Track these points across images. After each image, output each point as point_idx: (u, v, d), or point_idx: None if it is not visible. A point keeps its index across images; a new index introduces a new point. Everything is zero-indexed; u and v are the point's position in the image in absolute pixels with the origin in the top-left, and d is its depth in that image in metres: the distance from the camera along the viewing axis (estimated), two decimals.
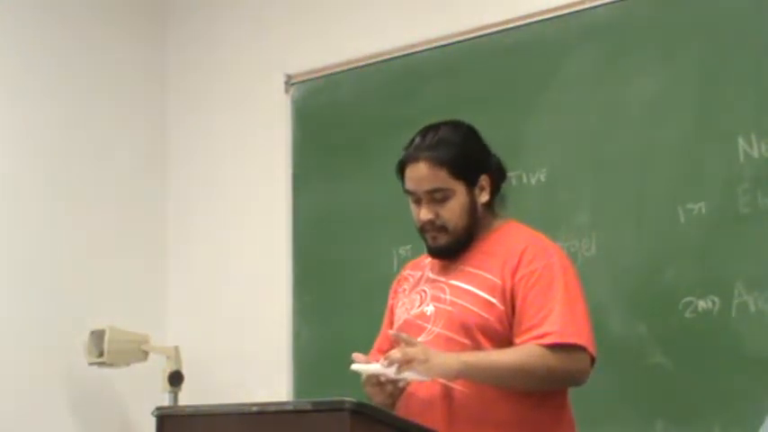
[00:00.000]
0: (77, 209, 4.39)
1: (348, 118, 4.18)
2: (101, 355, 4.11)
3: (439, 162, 2.73)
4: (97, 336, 4.13)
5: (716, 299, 3.25)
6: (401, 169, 2.80)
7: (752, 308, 3.19)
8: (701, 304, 3.28)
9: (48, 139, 4.34)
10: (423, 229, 2.78)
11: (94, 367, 4.17)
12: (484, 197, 2.79)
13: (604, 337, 3.33)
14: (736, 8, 3.36)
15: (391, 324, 2.90)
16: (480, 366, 2.59)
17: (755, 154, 3.24)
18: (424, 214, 2.75)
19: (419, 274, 2.88)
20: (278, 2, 4.52)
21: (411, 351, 2.56)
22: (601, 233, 3.49)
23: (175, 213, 4.69)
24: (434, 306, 2.73)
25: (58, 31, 4.44)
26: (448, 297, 2.72)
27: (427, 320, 2.73)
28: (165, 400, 4.13)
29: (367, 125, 4.12)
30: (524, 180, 3.67)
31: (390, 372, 2.56)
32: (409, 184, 2.78)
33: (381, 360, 2.58)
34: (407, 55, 4.03)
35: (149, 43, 4.76)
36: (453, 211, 2.74)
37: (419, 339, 2.70)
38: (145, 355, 4.22)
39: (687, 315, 3.29)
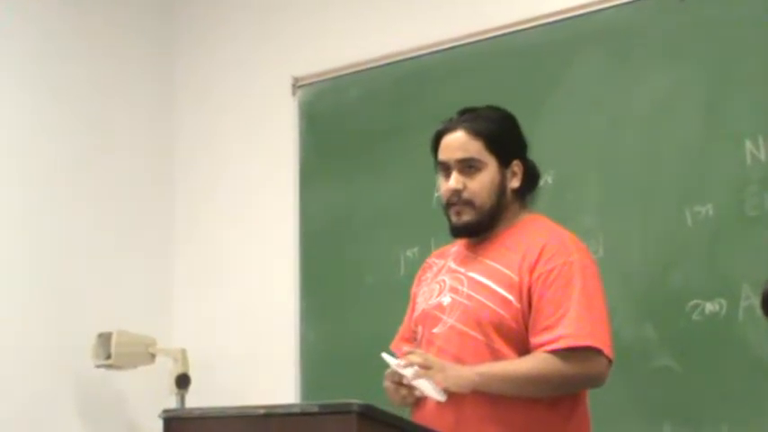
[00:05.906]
0: (84, 211, 4.39)
1: (355, 120, 4.17)
2: (108, 357, 4.11)
3: (476, 132, 2.73)
4: (104, 338, 4.13)
5: (723, 301, 3.25)
6: (436, 141, 2.79)
7: (759, 310, 3.18)
8: (709, 307, 3.27)
9: (54, 141, 4.34)
10: (448, 202, 2.75)
11: (102, 370, 4.18)
12: (515, 183, 2.76)
13: (612, 340, 3.34)
14: (744, 11, 3.36)
15: (413, 312, 2.89)
16: (496, 377, 2.59)
17: (763, 156, 3.24)
18: (453, 183, 2.72)
19: (442, 263, 2.85)
20: (285, 4, 4.52)
21: (431, 358, 2.58)
22: (608, 235, 3.49)
23: (182, 216, 4.69)
24: (451, 297, 2.72)
25: (65, 35, 4.45)
26: (465, 290, 2.70)
27: (443, 311, 2.72)
28: (172, 403, 4.14)
29: (374, 127, 4.11)
30: None
31: (409, 373, 2.57)
32: (443, 154, 2.76)
33: (399, 361, 2.59)
34: (415, 57, 4.03)
35: (156, 45, 4.76)
36: (482, 185, 2.71)
37: (434, 331, 2.71)
38: (152, 357, 4.22)
39: (694, 318, 3.29)
